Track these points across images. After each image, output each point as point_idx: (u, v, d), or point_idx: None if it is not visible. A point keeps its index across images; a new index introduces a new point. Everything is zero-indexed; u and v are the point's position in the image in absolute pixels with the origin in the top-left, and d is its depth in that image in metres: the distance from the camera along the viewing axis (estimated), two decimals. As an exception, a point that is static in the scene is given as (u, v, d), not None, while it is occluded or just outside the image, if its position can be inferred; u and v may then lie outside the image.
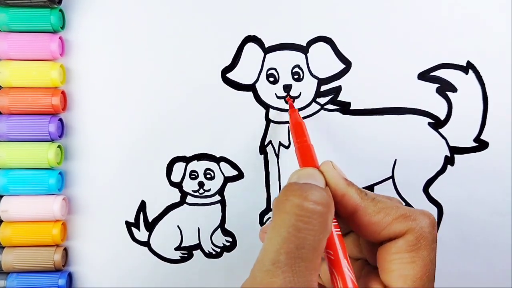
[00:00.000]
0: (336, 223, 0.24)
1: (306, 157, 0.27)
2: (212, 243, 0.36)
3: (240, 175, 0.35)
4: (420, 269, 0.22)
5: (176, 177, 0.35)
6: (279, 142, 0.35)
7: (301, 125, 0.30)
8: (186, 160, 0.35)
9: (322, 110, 0.35)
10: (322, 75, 0.35)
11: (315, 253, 0.21)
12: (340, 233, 0.23)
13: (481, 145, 0.35)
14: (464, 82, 0.35)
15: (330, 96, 0.35)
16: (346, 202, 0.24)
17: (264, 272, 0.20)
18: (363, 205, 0.24)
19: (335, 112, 0.35)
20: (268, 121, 0.35)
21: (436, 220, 0.36)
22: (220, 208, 0.36)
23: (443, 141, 0.35)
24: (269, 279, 0.20)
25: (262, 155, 0.35)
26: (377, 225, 0.23)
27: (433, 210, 0.36)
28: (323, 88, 0.35)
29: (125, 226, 0.36)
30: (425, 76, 0.35)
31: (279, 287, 0.19)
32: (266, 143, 0.35)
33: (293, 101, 0.35)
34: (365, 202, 0.24)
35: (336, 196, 0.24)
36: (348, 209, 0.24)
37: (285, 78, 0.35)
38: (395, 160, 0.35)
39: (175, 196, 0.36)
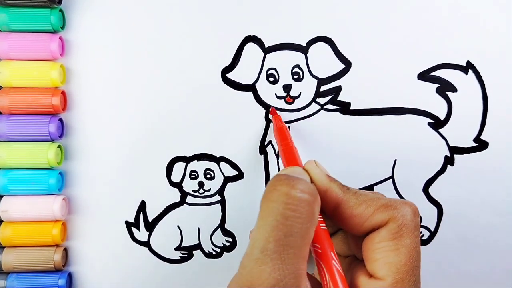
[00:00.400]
0: (322, 219, 0.24)
1: (290, 158, 0.28)
2: (212, 243, 0.36)
3: (240, 175, 0.35)
4: (404, 256, 0.23)
5: (176, 177, 0.35)
6: (279, 142, 0.35)
7: (283, 130, 0.31)
8: (186, 160, 0.35)
9: (322, 110, 0.35)
10: (322, 75, 0.35)
11: (303, 241, 0.21)
12: (325, 227, 0.24)
13: (481, 145, 0.35)
14: (464, 82, 0.35)
15: (330, 96, 0.35)
16: (329, 197, 0.25)
17: (253, 261, 0.20)
18: (345, 198, 0.24)
19: (335, 112, 0.35)
20: (268, 121, 0.35)
21: (436, 219, 0.36)
22: (220, 208, 0.36)
23: (443, 141, 0.35)
24: (258, 267, 0.20)
25: (262, 155, 0.35)
26: (359, 217, 0.24)
27: (433, 210, 0.36)
28: (323, 88, 0.35)
29: (125, 226, 0.36)
30: (425, 76, 0.35)
31: (268, 275, 0.20)
32: (266, 143, 0.35)
33: (293, 101, 0.35)
34: (347, 196, 0.25)
35: (320, 191, 0.25)
36: (331, 203, 0.25)
37: (285, 78, 0.35)
38: (395, 160, 0.35)
39: (175, 196, 0.36)
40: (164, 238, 0.36)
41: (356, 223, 0.24)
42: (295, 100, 0.35)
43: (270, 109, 0.34)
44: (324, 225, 0.24)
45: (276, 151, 0.35)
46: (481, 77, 0.34)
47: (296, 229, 0.21)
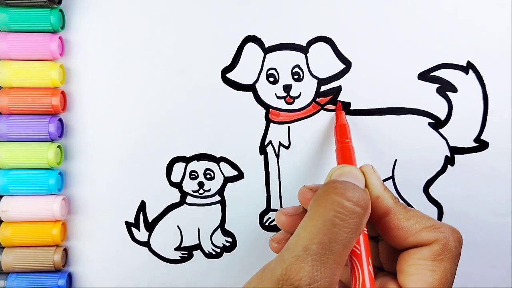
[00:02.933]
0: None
1: (347, 157, 0.29)
2: (212, 243, 0.36)
3: (240, 175, 0.35)
4: (439, 278, 0.23)
5: (176, 177, 0.35)
6: (279, 142, 0.35)
7: (345, 127, 0.32)
8: (186, 160, 0.35)
9: (322, 110, 0.35)
10: (322, 75, 0.35)
11: (345, 250, 0.21)
12: (366, 232, 0.24)
13: (481, 145, 0.35)
14: (464, 82, 0.35)
15: (330, 96, 0.35)
16: (379, 204, 0.25)
17: (294, 256, 0.21)
18: (395, 209, 0.25)
19: (335, 112, 0.35)
20: (268, 121, 0.35)
21: (436, 219, 0.36)
22: (220, 208, 0.36)
23: (443, 141, 0.35)
24: (299, 263, 0.21)
25: (262, 155, 0.35)
26: (406, 230, 0.24)
27: (433, 210, 0.36)
28: (323, 88, 0.35)
29: (125, 226, 0.36)
30: (425, 76, 0.35)
31: (306, 273, 0.20)
32: (266, 143, 0.35)
33: (293, 101, 0.35)
34: (397, 207, 0.25)
35: (372, 197, 0.25)
36: (380, 211, 0.25)
37: (285, 78, 0.34)
38: (395, 160, 0.35)
39: (175, 196, 0.36)
40: (164, 238, 0.36)
41: (400, 236, 0.24)
42: (295, 100, 0.35)
43: (337, 104, 0.34)
44: (366, 229, 0.24)
45: (277, 151, 0.35)
46: (481, 77, 0.34)
47: (341, 237, 0.21)
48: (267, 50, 0.34)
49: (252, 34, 0.34)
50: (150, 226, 0.36)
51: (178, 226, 0.36)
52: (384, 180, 0.35)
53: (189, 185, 0.35)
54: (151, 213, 0.36)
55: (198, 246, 0.36)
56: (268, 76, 0.34)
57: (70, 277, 0.35)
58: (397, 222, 0.24)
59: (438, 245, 0.24)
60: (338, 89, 0.35)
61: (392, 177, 0.35)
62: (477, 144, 0.35)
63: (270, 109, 0.35)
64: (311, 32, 0.34)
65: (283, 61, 0.34)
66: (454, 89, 0.35)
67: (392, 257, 0.26)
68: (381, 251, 0.27)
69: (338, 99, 0.35)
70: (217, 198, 0.36)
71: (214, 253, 0.36)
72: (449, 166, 0.35)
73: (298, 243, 0.21)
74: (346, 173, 0.25)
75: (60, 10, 0.34)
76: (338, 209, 0.22)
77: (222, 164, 0.35)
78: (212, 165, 0.35)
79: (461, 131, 0.35)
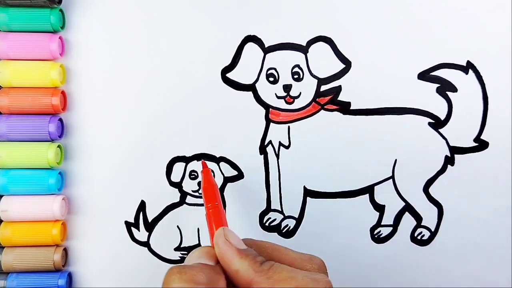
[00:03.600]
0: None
1: (217, 222, 0.27)
2: (212, 243, 0.36)
3: (240, 175, 0.35)
4: None
5: (175, 177, 0.35)
6: (279, 142, 0.35)
7: (213, 188, 0.30)
8: (186, 160, 0.35)
9: (322, 110, 0.35)
10: (322, 75, 0.35)
11: None
12: None
13: (481, 145, 0.35)
14: (464, 82, 0.35)
15: (330, 96, 0.35)
16: (240, 277, 0.24)
17: None
18: (257, 279, 0.23)
19: (335, 112, 0.35)
20: (268, 121, 0.35)
21: (436, 219, 0.36)
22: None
23: (443, 141, 0.35)
24: None
25: (262, 155, 0.35)
26: None
27: (433, 210, 0.36)
28: (323, 88, 0.35)
29: (125, 226, 0.36)
30: (425, 76, 0.35)
31: None
32: (266, 143, 0.35)
33: (293, 101, 0.35)
34: (259, 276, 0.23)
35: (230, 271, 0.24)
36: (243, 284, 0.24)
37: (285, 78, 0.34)
38: (395, 160, 0.35)
39: (175, 196, 0.36)
40: (164, 238, 0.36)
41: None
42: (295, 100, 0.35)
43: (202, 161, 0.33)
44: None
45: (277, 151, 0.35)
46: (481, 77, 0.34)
47: None
48: (267, 50, 0.34)
49: (252, 34, 0.34)
50: (150, 226, 0.36)
51: (178, 226, 0.36)
52: (384, 180, 0.35)
53: (189, 185, 0.35)
54: (151, 213, 0.36)
55: (198, 246, 0.36)
56: (268, 76, 0.34)
57: (70, 277, 0.35)
58: None
59: None
60: (338, 89, 0.35)
61: (392, 177, 0.35)
62: (477, 144, 0.35)
63: (270, 109, 0.35)
64: (311, 32, 0.34)
65: (283, 61, 0.34)
66: (454, 89, 0.35)
67: None
68: None
69: (338, 98, 0.35)
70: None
71: (214, 253, 0.36)
72: (449, 166, 0.35)
73: None
74: (195, 256, 0.24)
75: (60, 10, 0.34)
76: None
77: (222, 164, 0.35)
78: (212, 165, 0.35)
79: (461, 131, 0.35)
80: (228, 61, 0.34)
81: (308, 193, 0.35)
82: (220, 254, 0.24)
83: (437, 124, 0.35)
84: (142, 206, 0.35)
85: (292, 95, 0.35)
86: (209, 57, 0.34)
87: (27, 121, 0.33)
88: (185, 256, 0.36)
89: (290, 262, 0.25)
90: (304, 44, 0.34)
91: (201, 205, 0.36)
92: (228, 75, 0.35)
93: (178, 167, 0.35)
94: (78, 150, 0.35)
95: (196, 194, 0.36)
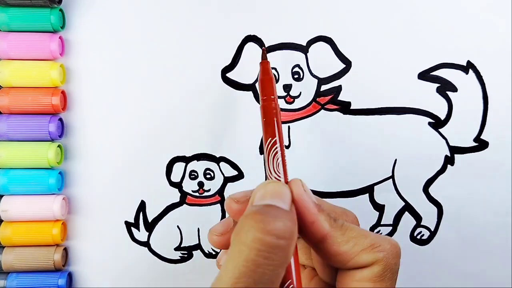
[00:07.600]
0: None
1: (271, 123, 0.25)
2: (212, 243, 0.36)
3: (240, 175, 0.35)
4: None
5: (175, 177, 0.35)
6: (279, 142, 0.35)
7: (271, 81, 0.27)
8: (186, 160, 0.35)
9: (322, 110, 0.35)
10: (322, 74, 0.35)
11: (273, 284, 0.20)
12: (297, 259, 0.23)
13: (481, 145, 0.35)
14: (464, 81, 0.35)
15: (330, 96, 0.35)
16: (315, 230, 0.22)
17: None
18: (332, 233, 0.22)
19: (335, 112, 0.35)
20: (268, 121, 0.35)
21: (436, 219, 0.36)
22: (220, 208, 0.36)
23: (443, 140, 0.35)
24: None
25: (262, 155, 0.35)
26: (345, 255, 0.22)
27: (433, 210, 0.36)
28: (323, 87, 0.35)
29: (124, 226, 0.36)
30: (425, 75, 0.35)
31: None
32: (266, 143, 0.35)
33: (293, 101, 0.35)
34: (335, 231, 0.22)
35: (305, 222, 0.22)
36: (316, 237, 0.23)
37: (285, 77, 0.34)
38: (395, 160, 0.35)
39: (175, 196, 0.36)
40: (164, 238, 0.36)
41: (340, 261, 0.23)
42: (295, 99, 0.35)
43: (262, 49, 0.31)
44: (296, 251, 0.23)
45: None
46: (481, 76, 0.34)
47: (267, 275, 0.19)
48: (267, 50, 0.34)
49: (252, 34, 0.34)
50: (150, 226, 0.36)
51: (178, 226, 0.36)
52: (384, 180, 0.35)
53: (189, 185, 0.35)
54: (151, 213, 0.36)
55: (198, 246, 0.36)
56: (268, 75, 0.34)
57: (70, 276, 0.35)
58: (335, 248, 0.22)
59: (378, 266, 0.22)
60: (338, 89, 0.35)
61: (392, 177, 0.35)
62: (477, 144, 0.35)
63: (270, 109, 0.35)
64: (311, 31, 0.34)
65: (283, 61, 0.34)
66: (454, 89, 0.35)
67: (329, 269, 0.24)
68: (314, 259, 0.26)
69: (339, 98, 0.35)
70: (217, 198, 0.36)
71: (214, 253, 0.36)
72: (449, 165, 0.35)
73: (224, 281, 0.19)
74: (270, 194, 0.22)
75: (60, 10, 0.34)
76: (260, 247, 0.19)
77: (222, 164, 0.35)
78: (212, 165, 0.35)
79: (461, 131, 0.35)
80: (228, 61, 0.34)
81: (308, 193, 0.35)
82: (301, 201, 0.22)
83: (437, 124, 0.35)
84: (142, 206, 0.35)
85: (292, 94, 0.35)
86: (209, 57, 0.34)
87: (27, 121, 0.33)
88: (185, 256, 0.36)
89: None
90: (304, 44, 0.34)
91: (201, 205, 0.36)
92: (228, 75, 0.35)
93: (178, 167, 0.35)
94: (78, 150, 0.35)
95: (196, 194, 0.36)
